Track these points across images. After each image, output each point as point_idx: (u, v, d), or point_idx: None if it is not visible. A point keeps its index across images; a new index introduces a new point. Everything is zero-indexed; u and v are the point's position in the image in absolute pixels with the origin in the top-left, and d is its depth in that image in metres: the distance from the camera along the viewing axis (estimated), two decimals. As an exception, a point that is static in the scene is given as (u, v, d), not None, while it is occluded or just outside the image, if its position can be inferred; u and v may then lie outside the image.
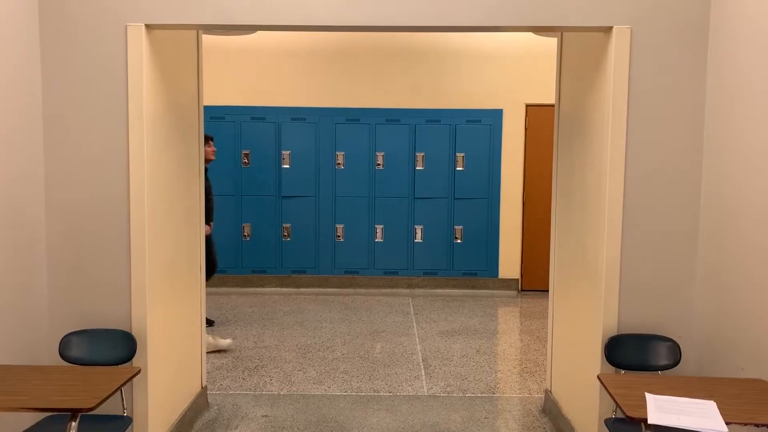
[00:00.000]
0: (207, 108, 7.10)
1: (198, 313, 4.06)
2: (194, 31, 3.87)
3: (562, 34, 3.93)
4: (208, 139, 5.73)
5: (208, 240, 5.71)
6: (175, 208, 3.60)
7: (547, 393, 4.13)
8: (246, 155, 7.45)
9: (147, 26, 3.08)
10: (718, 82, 3.00)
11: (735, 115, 2.86)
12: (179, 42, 3.63)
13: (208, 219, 5.81)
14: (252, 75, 7.39)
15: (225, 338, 5.50)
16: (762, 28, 2.67)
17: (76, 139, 3.11)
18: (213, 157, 5.77)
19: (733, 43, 2.88)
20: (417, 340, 5.69)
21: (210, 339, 5.30)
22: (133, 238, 3.11)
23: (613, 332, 3.14)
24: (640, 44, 3.06)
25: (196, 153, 3.99)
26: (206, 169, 5.77)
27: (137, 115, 3.08)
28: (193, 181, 3.94)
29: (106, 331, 3.10)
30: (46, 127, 3.11)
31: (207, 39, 7.21)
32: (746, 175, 2.76)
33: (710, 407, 2.32)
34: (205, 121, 4.15)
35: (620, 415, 2.98)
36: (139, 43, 3.05)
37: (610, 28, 3.07)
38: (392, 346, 5.48)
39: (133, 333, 3.11)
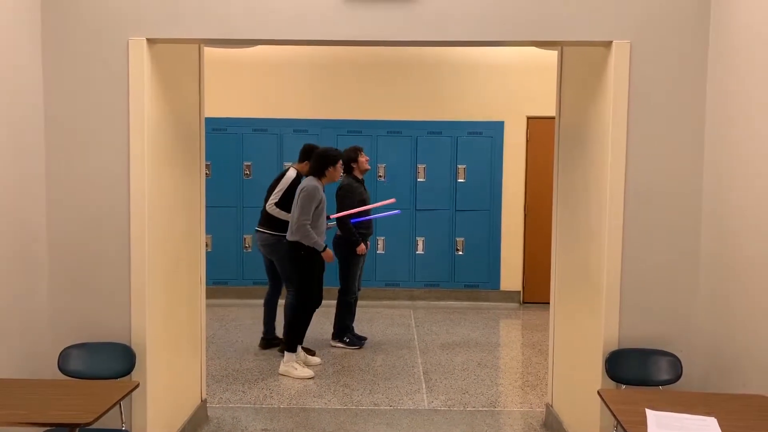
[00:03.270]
0: (208, 120, 7.08)
1: (198, 326, 4.06)
2: (196, 44, 3.89)
3: (562, 48, 3.94)
4: (358, 150, 5.68)
5: (349, 260, 5.60)
6: (176, 221, 3.61)
7: (549, 407, 4.11)
8: (248, 167, 7.47)
9: (149, 40, 3.10)
10: (719, 95, 3.00)
11: (736, 128, 2.87)
12: (181, 54, 3.66)
13: (366, 235, 5.68)
14: (254, 87, 7.43)
15: (309, 366, 5.18)
16: (762, 41, 2.68)
17: (78, 152, 3.13)
18: (369, 167, 5.74)
19: (733, 56, 2.89)
20: (418, 352, 5.67)
21: (304, 355, 5.20)
22: (134, 251, 3.12)
23: (614, 346, 3.13)
24: (640, 58, 3.07)
25: (197, 165, 4.00)
26: (362, 180, 5.74)
27: (139, 129, 3.09)
28: (194, 193, 3.95)
29: (106, 344, 3.10)
30: (48, 140, 3.13)
31: (209, 51, 7.23)
32: (747, 189, 2.76)
33: (711, 424, 2.31)
34: (206, 132, 4.17)
35: (621, 430, 2.97)
36: (140, 57, 3.08)
37: (610, 42, 3.08)
38: (393, 359, 5.46)
39: (132, 346, 3.11)
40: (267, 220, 5.35)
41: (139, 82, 3.08)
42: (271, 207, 5.29)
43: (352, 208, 5.50)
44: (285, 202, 5.26)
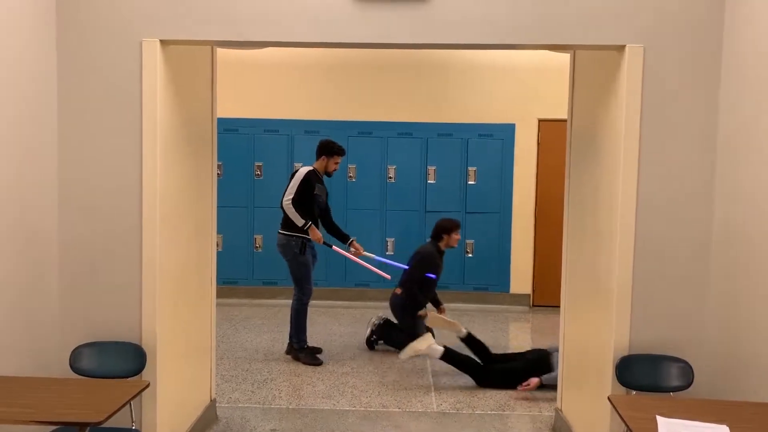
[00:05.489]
0: (220, 120, 7.12)
1: (209, 324, 4.07)
2: (208, 46, 3.90)
3: (575, 51, 3.92)
4: (458, 226, 5.74)
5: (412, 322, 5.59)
6: (188, 220, 3.62)
7: (558, 411, 4.09)
8: (259, 167, 7.48)
9: (162, 42, 3.11)
10: (732, 101, 2.98)
11: (749, 134, 2.84)
12: (194, 55, 3.67)
13: (419, 299, 5.66)
14: (265, 87, 7.44)
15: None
16: (777, 47, 2.65)
17: (90, 152, 3.14)
18: (455, 246, 5.78)
19: (747, 60, 2.86)
20: (427, 354, 5.66)
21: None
22: (145, 251, 3.13)
23: (625, 352, 3.11)
24: (653, 63, 3.05)
25: (209, 165, 4.01)
26: (443, 252, 5.77)
27: (151, 130, 3.11)
28: (206, 193, 3.96)
29: (116, 343, 3.11)
30: (61, 141, 3.14)
31: (221, 52, 7.25)
32: (759, 195, 2.73)
33: (723, 432, 2.28)
34: (218, 133, 4.18)
35: (631, 436, 2.94)
36: (153, 58, 3.09)
37: (623, 46, 3.06)
38: (402, 361, 5.45)
39: (143, 346, 3.12)
40: (282, 220, 5.33)
41: (152, 83, 3.09)
42: (287, 204, 5.17)
43: (422, 277, 5.59)
44: (302, 201, 5.19)
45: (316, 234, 5.22)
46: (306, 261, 5.29)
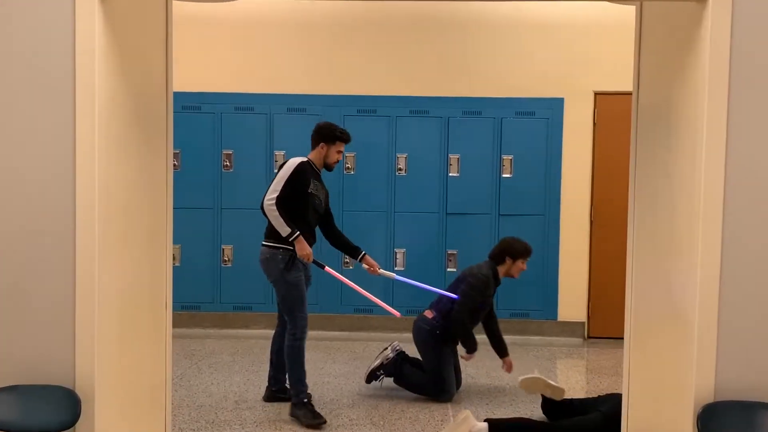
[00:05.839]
0: (178, 95, 7.14)
1: (163, 362, 4.07)
2: (162, -2, 3.92)
3: (642, 3, 3.92)
4: (529, 251, 5.87)
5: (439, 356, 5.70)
6: (135, 227, 3.62)
7: (622, 477, 4.08)
8: (228, 156, 7.51)
9: (101, -8, 3.13)
10: None
11: None
12: (142, 11, 3.68)
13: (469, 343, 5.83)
14: (236, 53, 7.46)
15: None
16: None
17: (5, 138, 3.14)
18: (516, 277, 5.91)
19: None
20: (449, 403, 5.65)
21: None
22: (80, 267, 3.13)
23: (709, 398, 3.10)
24: (745, 18, 3.04)
25: (163, 154, 4.01)
26: (500, 282, 5.91)
27: (88, 108, 3.11)
28: (158, 191, 3.96)
29: (43, 387, 3.11)
30: (-30, 123, 3.15)
31: (178, 4, 7.29)
32: None
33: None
34: (175, 112, 4.18)
35: None
36: (90, 14, 3.09)
37: (706, -4, 3.06)
38: (416, 411, 5.44)
39: (76, 390, 3.12)
40: (267, 227, 5.25)
41: (89, 47, 3.09)
42: (269, 205, 5.08)
43: (472, 307, 5.68)
44: (291, 202, 5.13)
45: (304, 248, 5.09)
46: (297, 280, 5.18)
